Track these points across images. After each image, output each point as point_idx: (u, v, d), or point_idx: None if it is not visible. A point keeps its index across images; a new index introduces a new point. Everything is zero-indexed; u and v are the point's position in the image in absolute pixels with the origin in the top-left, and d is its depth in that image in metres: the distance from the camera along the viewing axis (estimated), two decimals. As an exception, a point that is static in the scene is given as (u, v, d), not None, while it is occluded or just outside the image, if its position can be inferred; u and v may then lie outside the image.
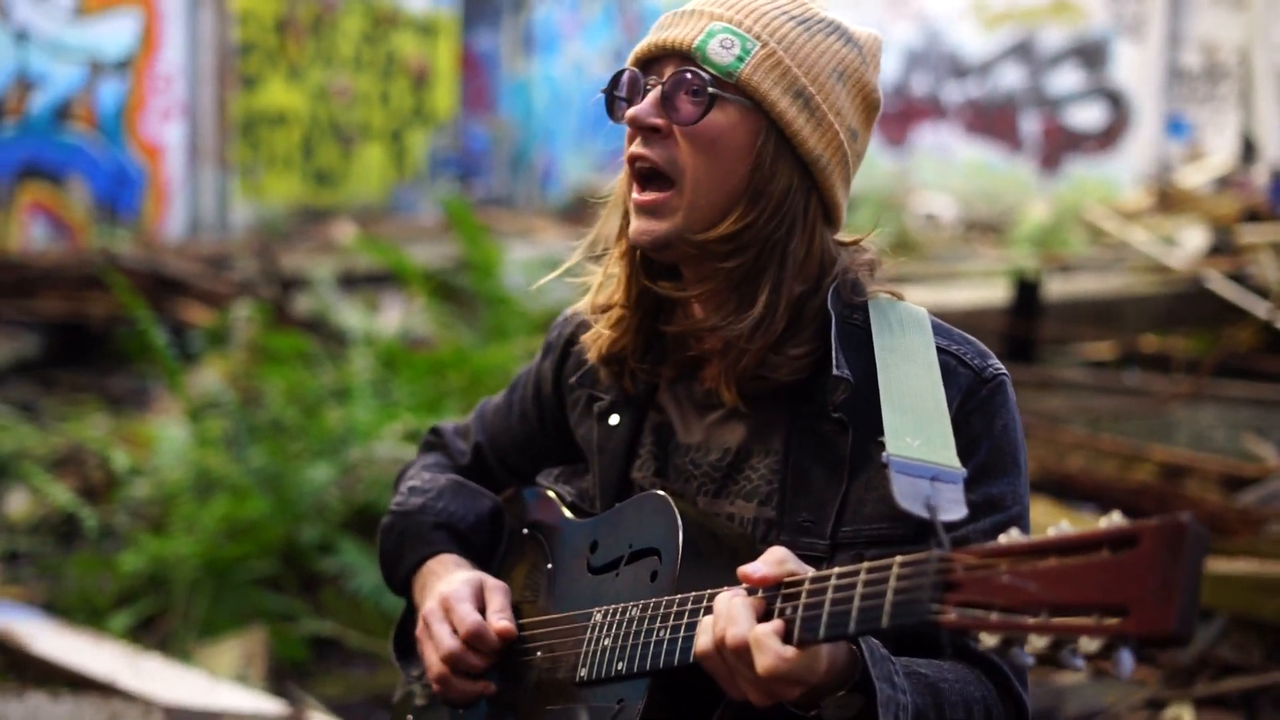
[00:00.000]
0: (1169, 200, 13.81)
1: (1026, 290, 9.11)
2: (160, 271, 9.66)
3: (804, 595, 1.55)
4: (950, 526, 1.60)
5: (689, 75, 1.79)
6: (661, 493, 1.86)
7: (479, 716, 2.00)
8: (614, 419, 2.03)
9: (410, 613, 2.17)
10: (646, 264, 1.93)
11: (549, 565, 2.03)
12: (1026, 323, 8.99)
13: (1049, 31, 20.36)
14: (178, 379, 5.72)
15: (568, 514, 2.06)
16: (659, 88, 1.82)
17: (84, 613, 4.73)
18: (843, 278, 1.89)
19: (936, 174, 20.69)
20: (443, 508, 2.14)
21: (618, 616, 1.81)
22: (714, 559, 1.78)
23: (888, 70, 17.19)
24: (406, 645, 2.18)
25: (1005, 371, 1.88)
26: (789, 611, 1.56)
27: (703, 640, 1.62)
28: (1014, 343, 8.80)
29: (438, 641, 1.95)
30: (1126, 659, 1.25)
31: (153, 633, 4.78)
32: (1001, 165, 20.76)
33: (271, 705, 3.81)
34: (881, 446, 1.70)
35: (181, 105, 14.08)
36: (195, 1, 14.06)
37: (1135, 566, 1.25)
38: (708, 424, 1.94)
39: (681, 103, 1.80)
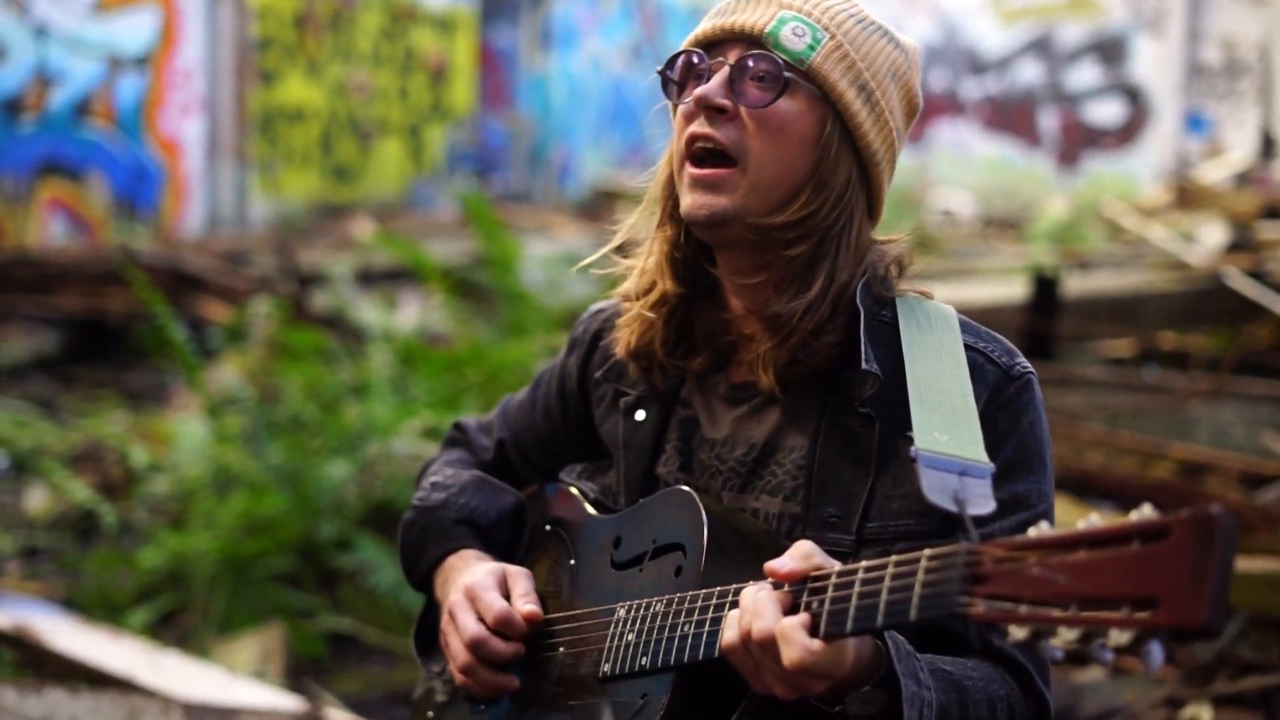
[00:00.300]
0: (1188, 196, 13.74)
1: (1045, 287, 9.06)
2: (179, 267, 9.69)
3: (831, 589, 1.54)
4: (977, 522, 1.59)
5: (760, 59, 1.80)
6: (686, 488, 1.85)
7: (501, 713, 1.99)
8: (640, 414, 2.02)
9: (431, 608, 2.17)
10: (692, 249, 1.93)
11: (571, 561, 2.03)
12: (1045, 319, 8.95)
13: (1068, 27, 20.30)
14: (196, 375, 5.74)
15: (590, 510, 2.05)
16: (726, 69, 1.82)
17: (103, 609, 4.75)
18: (872, 272, 1.89)
19: (954, 170, 20.65)
20: (465, 503, 2.13)
21: (641, 611, 1.81)
22: (738, 554, 1.78)
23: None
24: (427, 641, 2.18)
25: (1032, 370, 1.88)
26: (815, 605, 1.55)
27: (729, 634, 1.61)
28: (1032, 340, 8.75)
29: (463, 629, 1.94)
30: (1156, 652, 1.25)
31: (171, 629, 4.79)
32: (1020, 161, 20.72)
33: (289, 701, 3.82)
34: (909, 442, 1.70)
35: (200, 101, 14.10)
36: (214, -3, 14.11)
37: (1166, 558, 1.24)
38: (735, 418, 1.94)
39: (749, 86, 1.80)
